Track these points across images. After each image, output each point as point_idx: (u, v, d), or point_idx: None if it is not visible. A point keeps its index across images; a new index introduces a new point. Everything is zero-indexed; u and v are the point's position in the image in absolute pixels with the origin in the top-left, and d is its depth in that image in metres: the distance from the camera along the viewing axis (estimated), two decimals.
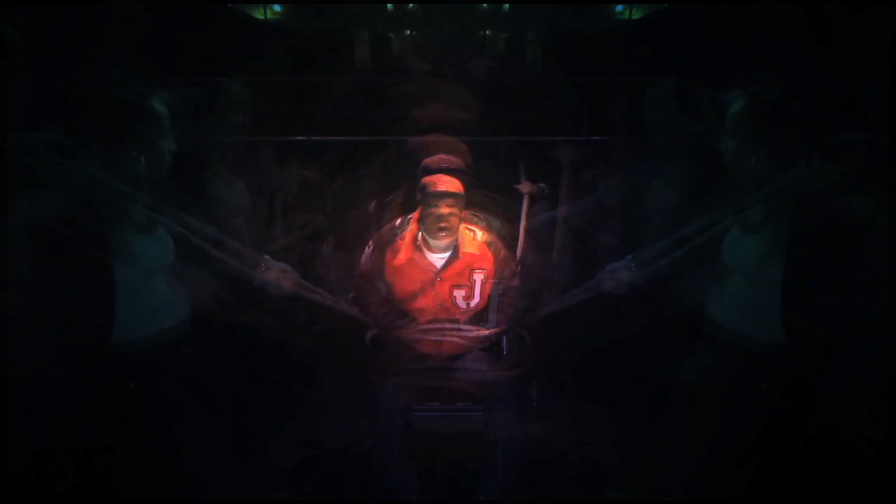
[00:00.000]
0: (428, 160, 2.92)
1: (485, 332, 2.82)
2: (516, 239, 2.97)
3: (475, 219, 2.99)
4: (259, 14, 4.74)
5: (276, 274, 2.81)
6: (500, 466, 2.79)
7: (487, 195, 3.17)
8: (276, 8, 4.78)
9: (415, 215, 2.92)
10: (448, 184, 2.78)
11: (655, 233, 4.13)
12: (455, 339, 2.79)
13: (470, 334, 2.82)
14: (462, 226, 2.85)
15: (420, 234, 2.85)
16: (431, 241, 2.82)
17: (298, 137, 4.35)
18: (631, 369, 3.42)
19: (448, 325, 2.79)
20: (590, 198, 4.23)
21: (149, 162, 2.48)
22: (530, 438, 3.03)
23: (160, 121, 2.42)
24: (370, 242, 2.92)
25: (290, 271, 2.87)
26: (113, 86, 2.47)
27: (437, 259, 2.83)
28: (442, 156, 2.91)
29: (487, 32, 5.05)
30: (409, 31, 5.01)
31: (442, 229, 2.76)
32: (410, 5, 5.01)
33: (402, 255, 2.83)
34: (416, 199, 2.87)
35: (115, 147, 2.39)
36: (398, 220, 2.94)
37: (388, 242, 2.88)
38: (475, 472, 2.86)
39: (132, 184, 2.46)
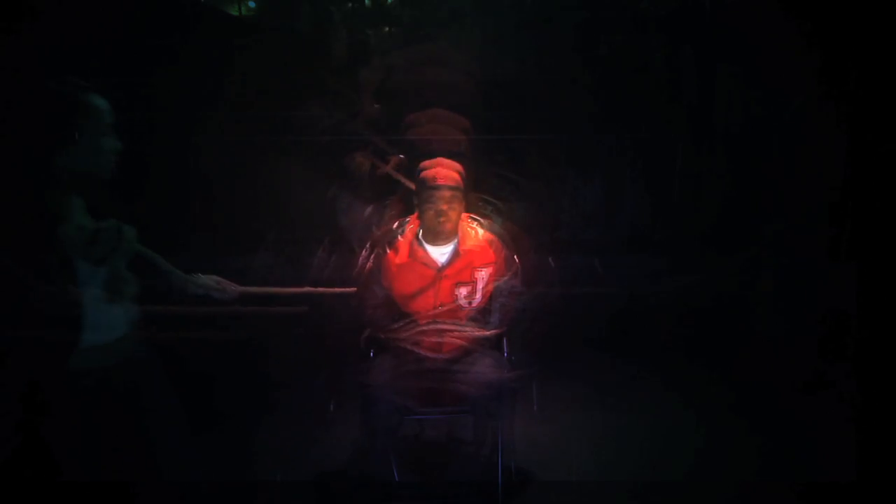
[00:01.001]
0: (426, 166, 2.85)
1: (486, 333, 2.78)
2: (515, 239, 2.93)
3: (476, 218, 2.95)
4: (234, 11, 4.64)
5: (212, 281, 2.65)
6: (499, 468, 2.76)
7: (486, 198, 3.14)
8: (251, 4, 4.69)
9: (412, 217, 2.86)
10: (447, 169, 2.73)
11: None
12: (455, 339, 2.74)
13: (471, 334, 2.77)
14: (463, 222, 2.81)
15: (421, 231, 2.80)
16: (432, 233, 2.76)
17: (288, 137, 4.29)
18: (631, 368, 3.46)
19: (448, 326, 2.74)
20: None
21: (91, 161, 2.32)
22: (531, 440, 3.04)
23: (101, 116, 2.25)
24: (367, 245, 2.85)
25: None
26: (48, 81, 2.31)
27: (439, 256, 2.79)
28: (439, 169, 2.84)
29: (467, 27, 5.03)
30: (388, 28, 4.97)
31: (440, 216, 2.71)
32: (389, 0, 4.97)
33: (403, 253, 2.76)
34: (414, 193, 2.80)
35: (53, 146, 2.23)
36: (396, 223, 2.88)
37: (387, 243, 2.82)
38: (474, 473, 2.83)
39: (72, 184, 2.31)
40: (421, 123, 3.59)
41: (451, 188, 2.67)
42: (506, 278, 2.80)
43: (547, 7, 4.97)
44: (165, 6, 4.18)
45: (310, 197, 4.31)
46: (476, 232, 2.82)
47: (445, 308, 2.75)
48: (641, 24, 4.65)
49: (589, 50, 4.63)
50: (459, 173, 2.74)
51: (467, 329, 2.75)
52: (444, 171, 2.71)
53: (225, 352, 3.50)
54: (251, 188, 4.33)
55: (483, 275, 2.76)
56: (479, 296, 2.76)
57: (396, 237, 2.79)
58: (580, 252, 3.73)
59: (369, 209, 3.04)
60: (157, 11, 4.08)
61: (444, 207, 2.67)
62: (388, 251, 2.76)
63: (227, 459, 2.98)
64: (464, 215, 2.82)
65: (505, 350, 2.86)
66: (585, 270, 3.70)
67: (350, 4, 4.90)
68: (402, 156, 3.30)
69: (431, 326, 2.73)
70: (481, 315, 2.82)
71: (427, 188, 2.69)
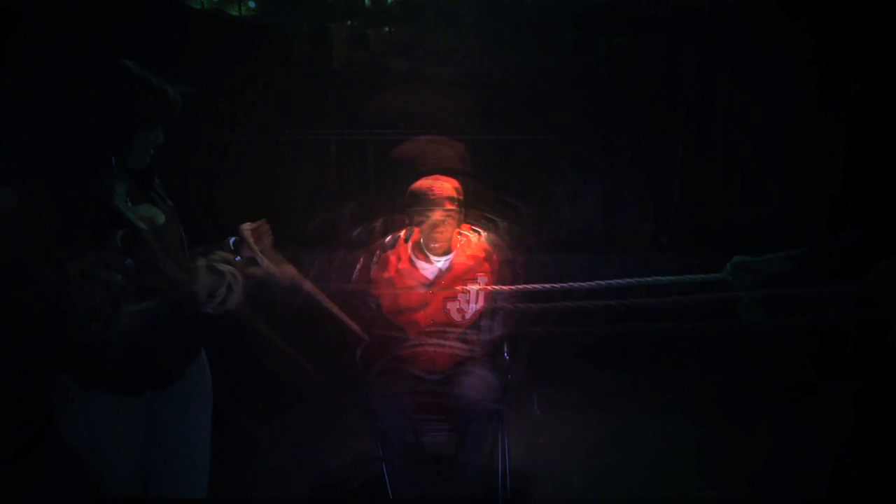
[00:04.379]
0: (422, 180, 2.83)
1: (485, 338, 2.76)
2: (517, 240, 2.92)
3: (481, 221, 2.93)
4: (234, 10, 4.63)
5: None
6: (503, 473, 2.74)
7: (502, 197, 3.13)
8: (251, 4, 4.68)
9: (403, 232, 2.85)
10: (441, 187, 2.71)
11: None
12: (453, 347, 2.73)
13: (468, 339, 2.76)
14: (458, 232, 2.78)
15: (413, 247, 2.78)
16: (427, 247, 2.75)
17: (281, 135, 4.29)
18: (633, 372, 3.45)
19: (444, 341, 2.72)
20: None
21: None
22: (533, 444, 3.03)
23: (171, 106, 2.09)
24: (360, 259, 2.83)
25: None
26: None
27: (430, 271, 2.76)
28: (435, 183, 2.80)
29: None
30: (387, 28, 4.96)
31: (435, 232, 2.69)
32: (389, 1, 4.96)
33: (393, 268, 2.74)
34: (408, 208, 2.77)
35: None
36: (388, 238, 2.86)
37: (377, 258, 2.80)
38: (475, 478, 2.81)
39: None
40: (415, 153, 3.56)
41: (446, 206, 2.65)
42: (506, 282, 2.79)
43: (547, 7, 4.97)
44: (165, 6, 4.18)
45: (307, 197, 4.33)
46: (471, 243, 2.79)
47: (437, 323, 2.72)
48: (642, 24, 4.65)
49: (589, 50, 4.63)
50: (455, 189, 2.72)
51: (465, 340, 2.74)
52: (440, 184, 2.69)
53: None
54: (250, 187, 4.33)
55: (476, 287, 2.73)
56: (472, 308, 2.73)
57: (387, 251, 2.77)
58: (580, 253, 3.74)
59: (358, 230, 3.01)
60: (157, 11, 4.07)
61: (440, 224, 2.65)
62: (379, 266, 2.75)
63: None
64: (459, 228, 2.81)
65: (506, 353, 2.85)
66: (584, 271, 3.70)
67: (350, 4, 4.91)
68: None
69: (427, 343, 2.71)
70: (480, 322, 2.81)
71: (422, 201, 2.67)
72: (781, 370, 3.37)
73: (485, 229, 2.86)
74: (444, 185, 2.67)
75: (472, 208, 2.91)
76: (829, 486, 2.67)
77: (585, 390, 3.48)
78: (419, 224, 2.67)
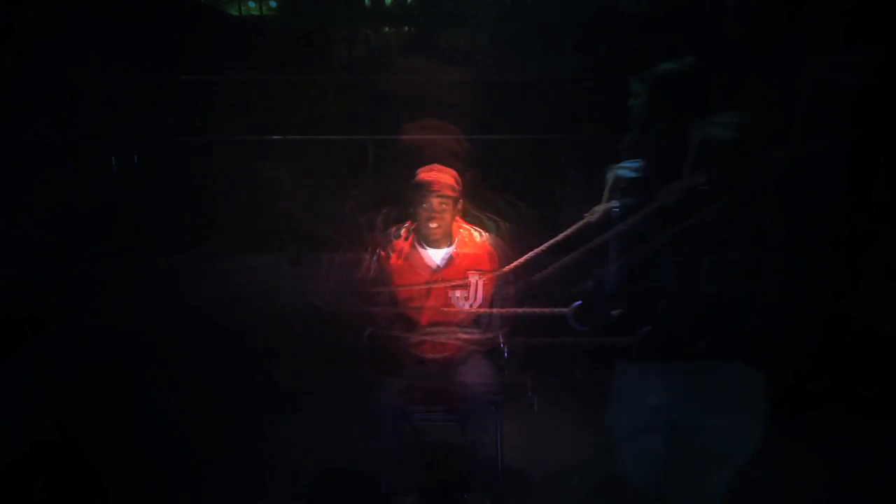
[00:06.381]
0: (421, 171, 2.85)
1: (487, 336, 2.78)
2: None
3: (482, 219, 2.95)
4: (234, 10, 4.64)
5: None
6: (498, 470, 2.75)
7: (505, 197, 3.14)
8: (251, 4, 4.69)
9: (407, 225, 2.88)
10: (440, 175, 2.74)
11: None
12: (455, 341, 2.75)
13: (471, 337, 2.78)
14: (462, 227, 2.82)
15: (412, 239, 2.81)
16: (426, 237, 2.78)
17: (275, 136, 4.29)
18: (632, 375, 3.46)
19: (449, 328, 2.75)
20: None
21: None
22: (528, 443, 3.03)
23: None
24: (371, 247, 2.87)
25: None
26: None
27: (437, 258, 2.79)
28: (433, 174, 2.82)
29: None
30: (387, 28, 4.97)
31: (432, 219, 2.72)
32: (389, 1, 4.96)
33: (401, 254, 2.78)
34: (408, 198, 2.80)
35: None
36: (395, 227, 2.90)
37: (388, 244, 2.83)
38: (472, 475, 2.82)
39: None
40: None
41: (444, 193, 2.68)
42: (505, 280, 2.81)
43: (547, 7, 4.98)
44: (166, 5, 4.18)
45: (314, 196, 4.33)
46: (473, 237, 2.82)
47: (442, 310, 2.75)
48: (642, 24, 4.66)
49: (589, 50, 4.64)
50: (454, 179, 2.75)
51: (467, 331, 2.76)
52: (438, 175, 2.72)
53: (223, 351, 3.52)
54: (254, 187, 4.33)
55: (479, 279, 2.76)
56: (479, 298, 2.76)
57: (388, 246, 2.80)
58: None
59: (380, 217, 3.05)
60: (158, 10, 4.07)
61: (437, 211, 2.69)
62: (389, 253, 2.78)
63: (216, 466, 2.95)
64: (460, 221, 2.83)
65: (505, 352, 2.87)
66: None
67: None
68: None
69: (433, 329, 2.74)
70: (480, 318, 2.83)
71: (421, 192, 2.70)
72: (782, 371, 3.38)
73: (485, 229, 2.88)
74: (442, 175, 2.71)
75: (472, 208, 2.93)
76: (829, 486, 2.68)
77: (585, 390, 3.48)
78: (417, 212, 2.70)
